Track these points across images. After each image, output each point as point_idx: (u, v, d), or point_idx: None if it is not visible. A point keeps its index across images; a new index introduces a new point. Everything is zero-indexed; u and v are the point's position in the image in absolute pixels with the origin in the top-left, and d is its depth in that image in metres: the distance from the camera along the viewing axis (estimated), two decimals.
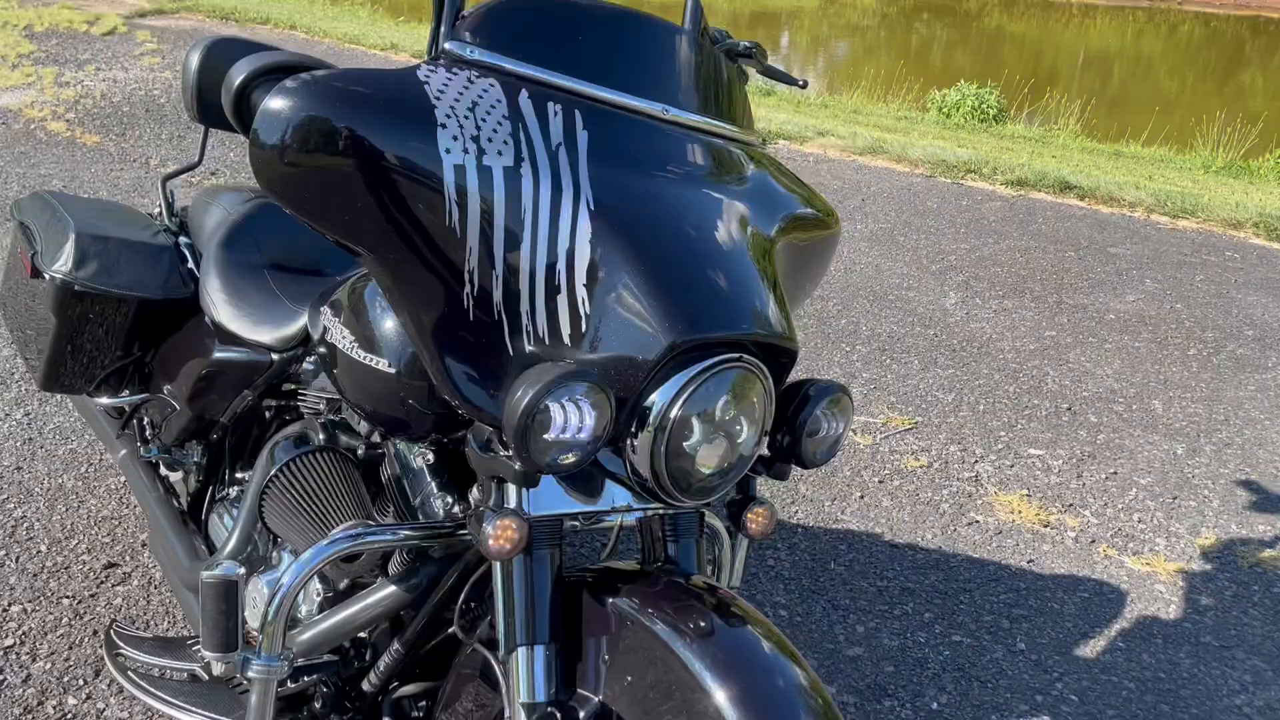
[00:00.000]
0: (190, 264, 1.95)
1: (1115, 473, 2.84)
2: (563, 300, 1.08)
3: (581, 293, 1.08)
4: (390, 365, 1.23)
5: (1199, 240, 4.68)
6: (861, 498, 2.64)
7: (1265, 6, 22.20)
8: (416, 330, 1.10)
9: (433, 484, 1.36)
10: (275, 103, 1.05)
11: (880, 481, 2.72)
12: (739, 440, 1.15)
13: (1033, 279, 4.18)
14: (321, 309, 1.39)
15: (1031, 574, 2.39)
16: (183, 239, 2.03)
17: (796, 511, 2.55)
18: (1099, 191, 5.16)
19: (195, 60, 1.90)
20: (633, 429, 1.09)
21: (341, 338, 1.30)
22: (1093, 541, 2.53)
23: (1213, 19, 21.94)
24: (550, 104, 1.16)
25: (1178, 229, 4.83)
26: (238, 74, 1.16)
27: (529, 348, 1.08)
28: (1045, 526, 2.58)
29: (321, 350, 1.37)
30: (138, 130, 5.35)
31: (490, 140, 1.10)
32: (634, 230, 1.12)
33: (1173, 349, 3.60)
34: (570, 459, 1.07)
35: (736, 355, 1.10)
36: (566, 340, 1.08)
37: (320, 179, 1.05)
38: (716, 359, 1.08)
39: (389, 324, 1.24)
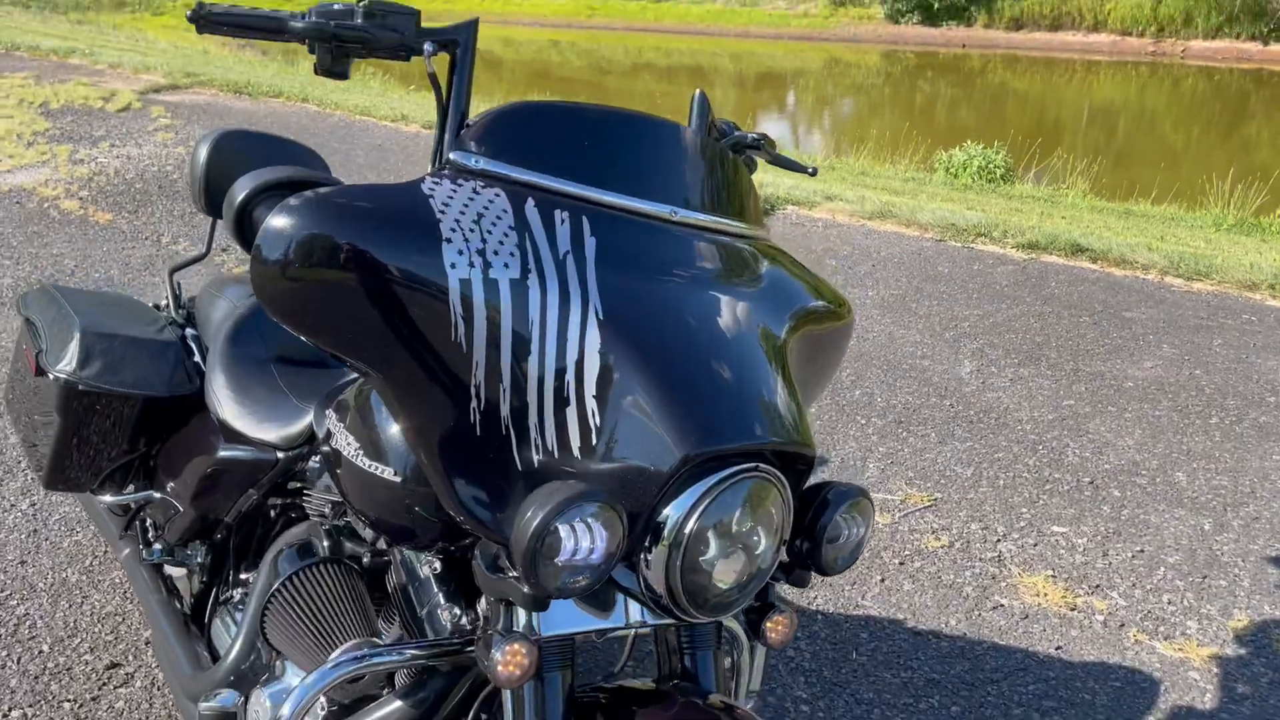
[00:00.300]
0: (196, 357, 1.94)
1: (1142, 550, 2.76)
2: (572, 412, 1.05)
3: (591, 404, 1.05)
4: (396, 474, 1.20)
5: (1215, 303, 4.64)
6: (882, 581, 2.57)
7: (1269, 59, 22.39)
8: (421, 445, 1.07)
9: (440, 594, 1.32)
10: (278, 221, 1.04)
11: (901, 563, 2.65)
12: (757, 552, 1.12)
13: (1048, 345, 4.14)
14: (326, 411, 1.36)
15: (1060, 662, 2.31)
16: (189, 331, 2.02)
17: (815, 597, 2.48)
18: (1111, 254, 5.14)
19: (204, 153, 1.91)
20: (646, 544, 1.06)
21: (346, 444, 1.27)
22: (1122, 626, 2.46)
23: (1216, 72, 22.12)
24: (557, 211, 1.15)
25: (1193, 291, 4.79)
26: (239, 191, 1.15)
27: (538, 461, 1.05)
28: (1073, 610, 2.51)
29: (326, 450, 1.34)
30: (150, 207, 5.39)
31: (496, 252, 1.09)
32: (644, 338, 1.10)
33: (1194, 418, 3.54)
34: (582, 582, 1.04)
35: (753, 465, 1.07)
36: (576, 453, 1.05)
37: (323, 296, 1.04)
38: (732, 470, 1.05)
39: (394, 430, 1.21)
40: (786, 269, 1.33)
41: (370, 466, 1.22)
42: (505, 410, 1.05)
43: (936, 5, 25.63)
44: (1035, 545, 2.77)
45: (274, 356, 1.84)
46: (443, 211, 1.08)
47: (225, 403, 1.71)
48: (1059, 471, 3.16)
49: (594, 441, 1.04)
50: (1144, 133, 17.09)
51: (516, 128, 1.19)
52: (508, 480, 1.05)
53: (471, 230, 1.08)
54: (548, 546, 0.99)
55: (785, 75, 24.15)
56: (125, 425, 1.88)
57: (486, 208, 1.11)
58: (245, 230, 1.12)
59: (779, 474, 1.10)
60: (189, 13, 1.13)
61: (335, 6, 1.21)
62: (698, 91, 1.60)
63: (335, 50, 1.20)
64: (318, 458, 1.55)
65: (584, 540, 1.01)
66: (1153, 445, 3.34)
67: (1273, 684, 2.27)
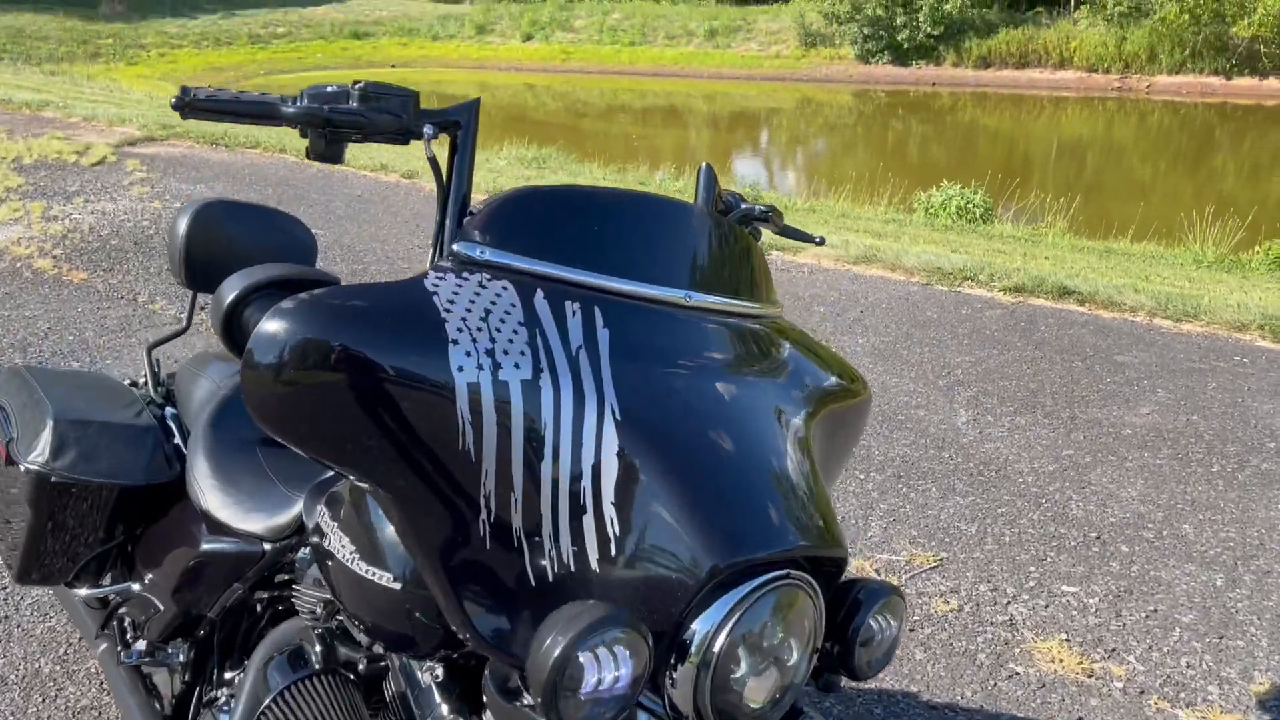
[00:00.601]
0: (176, 439, 1.85)
1: (1155, 610, 2.69)
2: (589, 521, 0.98)
3: (610, 512, 0.98)
4: (395, 579, 1.12)
5: (1205, 344, 4.61)
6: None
7: (1232, 93, 22.80)
8: (425, 558, 0.99)
9: (442, 705, 1.23)
10: (271, 325, 0.96)
11: (911, 630, 2.57)
12: (789, 664, 1.06)
13: (1042, 392, 4.09)
14: (318, 506, 1.28)
15: None
16: (169, 410, 1.93)
17: None
18: (1099, 296, 5.12)
19: (183, 225, 1.82)
20: (671, 661, 0.99)
21: (339, 544, 1.19)
22: (1142, 693, 2.38)
23: (1182, 106, 22.49)
24: (568, 303, 1.09)
25: (1182, 333, 4.77)
26: (228, 292, 1.07)
27: (553, 575, 0.98)
28: (1090, 677, 2.42)
29: (316, 543, 1.26)
30: (126, 264, 5.29)
31: (506, 351, 1.02)
32: (664, 439, 1.02)
33: (1195, 466, 3.49)
34: (607, 715, 0.96)
35: (784, 572, 1.00)
36: (594, 565, 0.98)
37: (319, 405, 0.97)
38: (763, 580, 0.98)
39: (391, 531, 1.13)
40: (803, 348, 1.28)
41: (366, 571, 1.15)
42: (517, 521, 0.98)
43: (906, 45, 25.99)
44: (1047, 607, 2.69)
45: (259, 439, 1.76)
46: (448, 309, 1.02)
47: (208, 491, 1.63)
48: (1064, 526, 3.10)
49: (613, 552, 0.97)
50: (1113, 167, 17.32)
51: (522, 215, 1.13)
52: (521, 596, 0.99)
53: (479, 329, 1.01)
54: (569, 678, 0.92)
55: (759, 115, 24.37)
56: (101, 515, 1.78)
57: (494, 302, 1.05)
58: (235, 334, 1.05)
59: (810, 579, 1.03)
60: (174, 100, 1.06)
61: (328, 89, 1.14)
62: (704, 165, 1.55)
63: (330, 135, 1.13)
64: (307, 549, 1.47)
65: (608, 669, 0.94)
66: (1156, 496, 3.29)
67: None
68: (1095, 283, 5.36)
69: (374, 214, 6.66)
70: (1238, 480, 3.39)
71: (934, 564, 2.87)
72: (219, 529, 1.55)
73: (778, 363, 1.22)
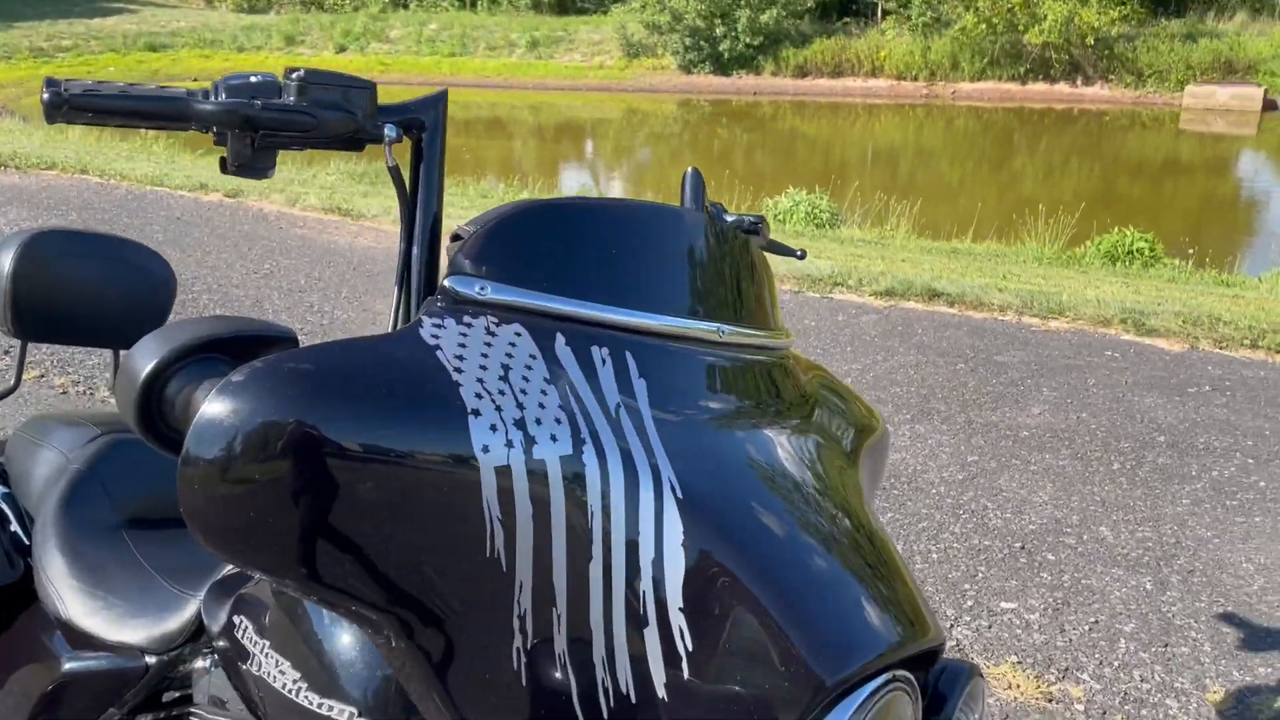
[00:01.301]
0: (14, 526, 1.47)
1: (1096, 622, 2.61)
2: (652, 637, 0.76)
3: (678, 621, 0.77)
4: (359, 713, 0.85)
5: (1075, 340, 4.70)
6: None
7: (1028, 97, 24.32)
8: (436, 707, 0.75)
9: None
10: (219, 407, 0.68)
11: None
12: None
13: (934, 397, 4.03)
14: (224, 611, 0.99)
15: None
16: (1, 490, 1.54)
17: None
18: (966, 297, 5.16)
19: (8, 260, 1.42)
20: None
21: (271, 667, 0.90)
22: (1104, 713, 2.27)
23: (984, 111, 23.81)
24: (594, 348, 0.86)
25: (1051, 330, 4.85)
26: (142, 363, 0.75)
27: (608, 710, 0.76)
28: (1050, 701, 2.30)
29: (229, 655, 0.97)
30: None
31: (539, 420, 0.78)
32: (732, 519, 0.82)
33: (1096, 465, 3.49)
34: None
35: (889, 676, 0.83)
36: (662, 695, 0.76)
37: (292, 517, 0.71)
38: (870, 691, 0.80)
39: (346, 643, 0.86)
40: (826, 387, 1.13)
41: (316, 704, 0.88)
42: (561, 645, 0.75)
43: (726, 55, 26.50)
44: (990, 628, 2.57)
45: (126, 518, 1.44)
46: (458, 368, 0.77)
47: (67, 594, 1.30)
48: (987, 538, 3.00)
49: (685, 676, 0.76)
50: (930, 170, 18.11)
51: (527, 238, 0.88)
52: None
53: (501, 391, 0.77)
54: None
55: (586, 125, 24.31)
56: None
57: (510, 354, 0.80)
58: (155, 419, 0.74)
59: (909, 676, 0.86)
60: (45, 97, 0.74)
61: (252, 79, 0.83)
62: (690, 170, 1.31)
63: (259, 142, 0.82)
64: (207, 659, 1.15)
65: None
66: (1067, 499, 3.25)
67: None
68: (961, 284, 5.42)
69: (198, 238, 6.08)
70: (1139, 477, 3.40)
71: None
72: (84, 642, 1.24)
73: (813, 409, 1.05)
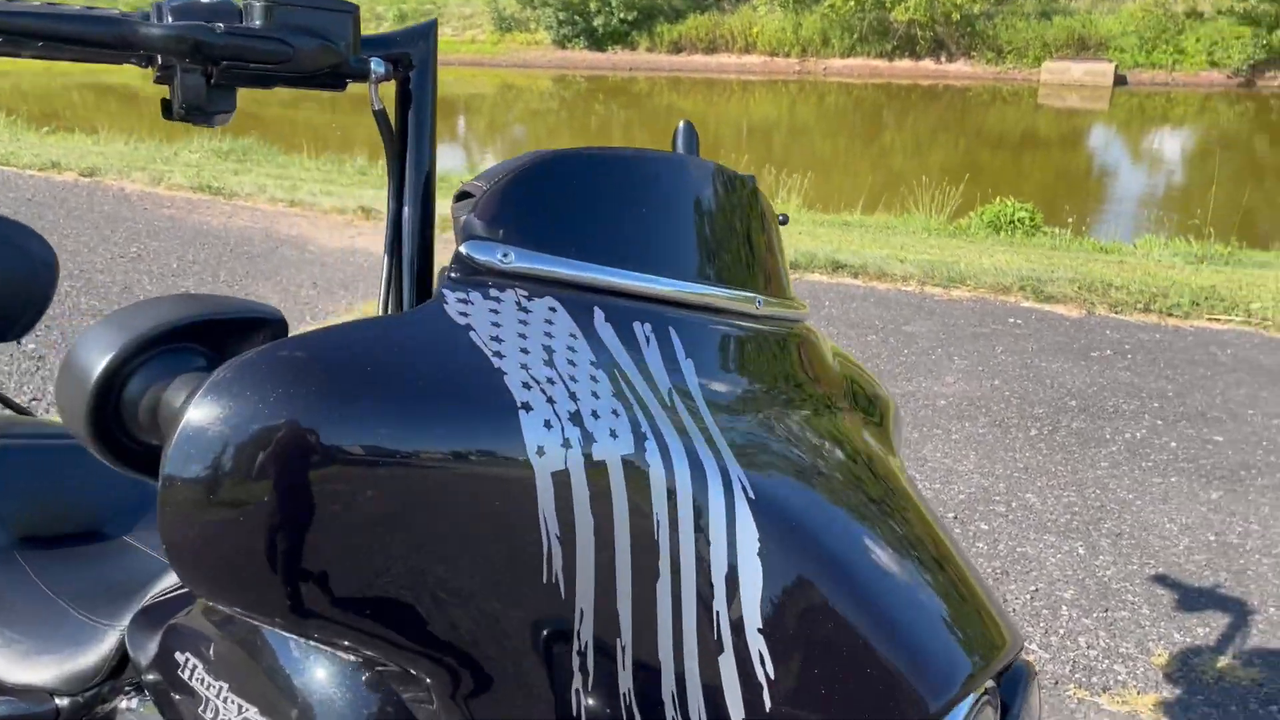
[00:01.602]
0: None
1: (1037, 590, 2.60)
2: (728, 665, 0.66)
3: (758, 645, 0.66)
4: None
5: (979, 309, 4.75)
6: None
7: (895, 74, 24.93)
8: None
9: None
10: (204, 414, 0.54)
11: None
12: None
13: None
14: (151, 643, 0.83)
15: None
16: None
17: None
18: (869, 269, 5.16)
19: None
20: None
21: (228, 710, 0.76)
22: (1057, 683, 2.25)
23: (854, 87, 24.29)
24: (637, 325, 0.72)
25: (954, 299, 4.89)
26: (94, 354, 0.57)
27: None
28: None
29: (156, 684, 0.80)
30: None
31: (596, 414, 0.66)
32: (807, 524, 0.72)
33: (1014, 431, 3.51)
34: None
35: (982, 691, 0.76)
36: None
37: (299, 547, 0.55)
38: (965, 712, 0.73)
39: (322, 678, 0.71)
40: (839, 355, 1.05)
41: None
42: (627, 682, 0.64)
43: (601, 31, 26.28)
44: None
45: (19, 537, 1.27)
46: (499, 353, 0.62)
47: None
48: None
49: (767, 708, 0.65)
50: (806, 144, 18.34)
51: (552, 195, 0.75)
52: None
53: (550, 380, 0.64)
54: None
55: (459, 101, 23.75)
56: None
57: (550, 334, 0.67)
58: (113, 428, 0.56)
59: (994, 684, 0.79)
60: None
61: (204, 1, 0.65)
62: (683, 123, 1.19)
63: (218, 76, 0.64)
64: (131, 699, 0.99)
65: None
66: (991, 467, 3.25)
67: None
68: (863, 255, 5.42)
69: (53, 220, 5.60)
70: (1057, 441, 3.43)
71: None
72: None
73: (849, 390, 0.98)
